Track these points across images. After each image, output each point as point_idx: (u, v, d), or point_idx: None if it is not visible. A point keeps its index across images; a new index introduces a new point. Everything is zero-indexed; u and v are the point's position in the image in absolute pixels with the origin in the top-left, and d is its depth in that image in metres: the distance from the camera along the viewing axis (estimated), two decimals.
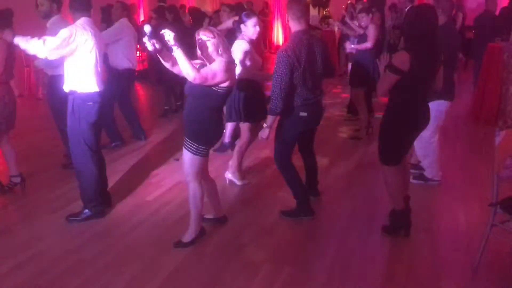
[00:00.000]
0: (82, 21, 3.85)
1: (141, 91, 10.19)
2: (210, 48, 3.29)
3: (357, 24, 6.52)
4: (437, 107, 4.43)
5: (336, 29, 11.20)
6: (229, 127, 5.81)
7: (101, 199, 4.15)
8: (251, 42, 4.51)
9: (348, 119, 7.28)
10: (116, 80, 5.87)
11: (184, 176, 3.58)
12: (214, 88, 3.29)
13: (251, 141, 4.83)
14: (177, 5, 12.57)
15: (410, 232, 3.76)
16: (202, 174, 3.63)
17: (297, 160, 4.28)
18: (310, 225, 4.02)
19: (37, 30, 4.25)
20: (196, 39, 3.35)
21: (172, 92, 7.72)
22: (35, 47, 3.66)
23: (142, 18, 13.04)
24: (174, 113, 7.67)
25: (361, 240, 3.76)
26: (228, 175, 4.87)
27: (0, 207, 4.38)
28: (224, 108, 4.65)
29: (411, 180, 4.67)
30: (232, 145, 5.92)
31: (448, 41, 4.35)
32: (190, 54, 3.30)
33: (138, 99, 9.45)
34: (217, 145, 5.51)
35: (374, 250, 3.62)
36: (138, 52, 11.13)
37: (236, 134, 6.01)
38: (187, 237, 3.64)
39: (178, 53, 3.13)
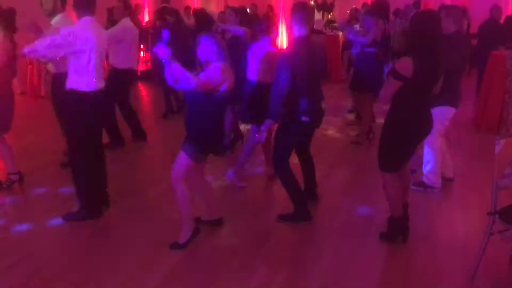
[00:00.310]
0: (84, 20, 3.86)
1: (144, 91, 10.20)
2: (210, 52, 3.29)
3: (358, 27, 6.52)
4: (442, 113, 4.43)
5: (340, 34, 11.19)
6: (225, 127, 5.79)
7: (98, 198, 4.14)
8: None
9: (351, 124, 7.26)
10: (116, 80, 5.86)
11: (172, 176, 3.55)
12: (213, 93, 3.29)
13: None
14: (181, 7, 12.65)
15: (408, 238, 3.74)
16: (196, 176, 3.63)
17: (295, 165, 4.26)
18: (307, 229, 4.00)
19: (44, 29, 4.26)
20: (197, 42, 3.36)
21: (173, 93, 7.72)
22: (35, 45, 3.68)
23: (146, 18, 13.06)
24: (175, 115, 7.66)
25: (359, 246, 3.73)
26: (230, 176, 4.85)
27: None
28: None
29: (411, 186, 4.66)
30: (231, 147, 5.92)
31: (457, 49, 4.35)
32: (190, 57, 3.31)
33: (141, 100, 9.45)
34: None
35: (371, 256, 3.60)
36: (142, 53, 11.16)
37: (235, 136, 6.01)
38: (182, 239, 3.62)
39: (174, 67, 3.15)
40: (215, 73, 3.28)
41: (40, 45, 3.69)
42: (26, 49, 3.75)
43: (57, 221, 4.04)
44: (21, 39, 4.28)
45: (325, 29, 12.15)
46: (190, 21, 11.80)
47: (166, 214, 4.21)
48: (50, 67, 4.94)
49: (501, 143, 3.03)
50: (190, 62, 3.71)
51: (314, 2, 13.16)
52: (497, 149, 3.04)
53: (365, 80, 6.24)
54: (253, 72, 4.55)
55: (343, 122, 7.45)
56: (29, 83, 9.04)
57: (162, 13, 8.25)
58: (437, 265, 3.49)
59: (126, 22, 5.90)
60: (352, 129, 7.04)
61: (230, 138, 5.97)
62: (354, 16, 10.23)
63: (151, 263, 3.44)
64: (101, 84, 4.00)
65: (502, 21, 9.16)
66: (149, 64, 11.56)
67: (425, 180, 4.74)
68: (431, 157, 4.66)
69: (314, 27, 10.83)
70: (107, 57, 6.04)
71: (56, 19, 4.62)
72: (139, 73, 8.57)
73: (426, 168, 4.74)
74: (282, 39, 16.34)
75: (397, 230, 3.73)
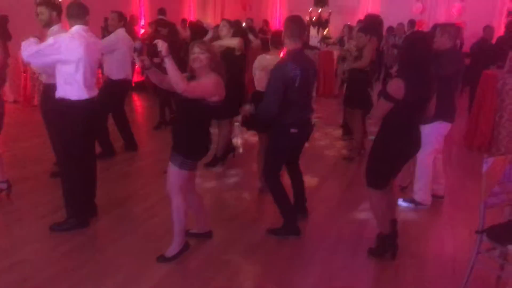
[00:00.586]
0: (75, 29, 3.87)
1: (137, 102, 10.20)
2: (202, 63, 3.31)
3: (354, 44, 6.54)
4: (437, 129, 4.47)
5: (335, 49, 11.28)
6: (221, 141, 5.80)
7: (87, 209, 4.11)
8: None
9: (344, 139, 7.29)
10: (110, 90, 5.86)
11: (167, 190, 3.54)
12: (203, 101, 3.31)
13: None
14: (178, 19, 12.72)
15: (396, 255, 3.73)
16: (188, 188, 3.62)
17: (286, 179, 4.26)
18: (296, 244, 3.98)
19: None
20: (190, 52, 3.37)
21: (167, 104, 7.72)
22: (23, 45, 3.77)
23: (142, 30, 13.10)
24: (168, 126, 7.65)
25: (347, 261, 3.73)
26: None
27: None
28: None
29: (401, 203, 4.68)
30: (224, 159, 5.91)
31: (453, 64, 4.41)
32: (182, 68, 3.32)
33: (134, 110, 9.45)
34: (208, 159, 5.51)
35: (359, 272, 3.59)
36: (136, 64, 11.17)
37: (228, 149, 6.00)
38: (170, 251, 3.60)
39: (169, 63, 3.14)
40: (208, 82, 3.30)
41: (26, 48, 3.73)
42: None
43: (44, 231, 4.00)
44: (16, 46, 4.28)
45: (320, 45, 12.25)
46: (186, 33, 11.88)
47: (154, 226, 4.19)
48: (43, 77, 4.93)
49: (489, 162, 3.04)
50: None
51: (309, 18, 13.27)
52: (485, 168, 3.05)
53: (357, 96, 6.27)
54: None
55: (334, 137, 7.47)
56: (23, 91, 9.02)
57: (154, 26, 8.31)
58: (425, 282, 3.49)
59: (120, 32, 5.92)
60: (343, 144, 7.06)
61: (227, 149, 5.99)
62: (347, 33, 10.31)
63: (138, 274, 3.41)
64: (93, 93, 3.99)
65: (494, 41, 9.28)
66: (143, 75, 11.59)
67: (415, 197, 4.75)
68: (423, 174, 4.67)
69: (309, 43, 10.93)
70: (101, 67, 6.07)
71: (51, 30, 4.62)
72: (133, 84, 8.57)
73: (417, 185, 4.74)
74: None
75: (385, 247, 3.72)
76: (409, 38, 3.86)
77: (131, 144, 6.36)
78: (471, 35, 11.30)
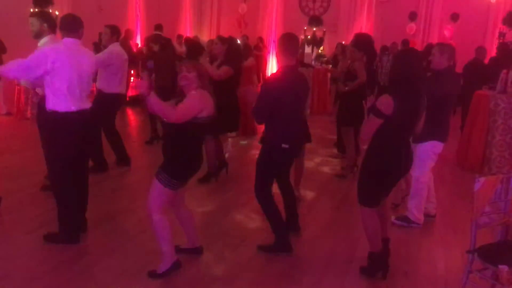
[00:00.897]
0: (64, 41, 3.87)
1: (131, 116, 10.18)
2: (189, 81, 3.35)
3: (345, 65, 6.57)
4: (431, 148, 4.49)
5: (329, 67, 11.36)
6: (207, 156, 5.79)
7: (77, 223, 4.06)
8: None
9: (336, 157, 7.29)
10: (100, 104, 5.83)
11: (147, 205, 3.48)
12: (193, 119, 3.30)
13: None
14: (174, 34, 12.81)
15: (388, 274, 3.71)
16: (177, 202, 3.60)
17: (277, 196, 4.24)
18: (287, 261, 3.94)
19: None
20: (178, 71, 3.43)
21: (160, 119, 7.69)
22: (7, 66, 3.76)
23: (139, 44, 13.17)
24: (160, 140, 7.62)
25: (338, 280, 3.69)
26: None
27: None
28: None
29: (394, 221, 4.65)
30: (217, 174, 5.89)
31: (449, 84, 4.45)
32: (174, 84, 3.36)
33: (128, 124, 9.43)
34: (200, 175, 5.48)
35: None
36: (132, 78, 11.19)
37: (220, 165, 5.98)
38: (161, 268, 3.54)
39: (152, 100, 3.18)
40: (192, 100, 3.30)
41: (11, 66, 3.72)
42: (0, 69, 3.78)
43: (34, 244, 3.95)
44: (11, 59, 4.27)
45: (314, 63, 12.34)
46: (182, 49, 11.95)
47: (145, 241, 4.14)
48: (39, 90, 4.91)
49: (480, 181, 3.04)
50: (174, 88, 3.74)
51: (304, 36, 13.39)
52: (477, 187, 3.05)
53: (349, 114, 6.26)
54: None
55: (327, 154, 7.47)
56: (16, 104, 8.98)
57: (147, 41, 8.37)
58: None
59: (114, 47, 5.90)
60: (335, 162, 7.06)
61: (220, 165, 5.97)
62: (340, 52, 10.38)
63: None
64: (83, 106, 3.96)
65: (486, 62, 9.39)
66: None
67: (409, 215, 4.72)
68: (418, 192, 4.64)
69: (304, 60, 11.00)
70: (94, 80, 6.04)
71: (42, 41, 4.62)
72: (127, 99, 8.58)
73: (411, 203, 4.71)
74: (272, 70, 16.56)
75: (377, 266, 3.70)
76: (400, 54, 3.90)
77: (123, 159, 6.32)
78: (462, 55, 11.45)
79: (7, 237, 4.09)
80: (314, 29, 12.90)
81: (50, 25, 4.64)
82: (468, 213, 5.03)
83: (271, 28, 16.53)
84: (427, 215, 4.82)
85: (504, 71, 6.96)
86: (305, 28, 13.23)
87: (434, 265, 4.04)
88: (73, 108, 3.87)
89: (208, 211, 4.92)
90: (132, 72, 11.05)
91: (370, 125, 3.42)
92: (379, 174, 3.54)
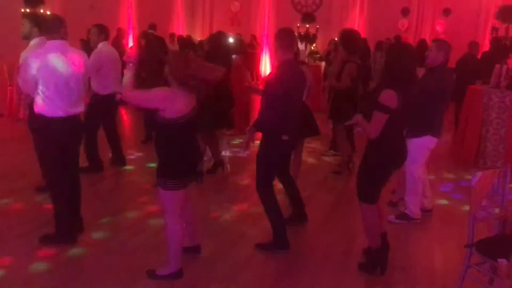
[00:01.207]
0: (46, 46, 3.79)
1: (125, 116, 10.12)
2: (166, 73, 3.28)
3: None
4: (424, 142, 4.49)
5: (323, 64, 11.36)
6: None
7: (72, 223, 4.04)
8: None
9: (327, 154, 7.27)
10: (96, 106, 5.78)
11: (165, 217, 3.46)
12: (167, 119, 3.22)
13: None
14: (167, 33, 12.75)
15: (386, 270, 3.71)
16: (185, 199, 3.54)
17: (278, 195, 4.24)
18: (285, 259, 3.94)
19: None
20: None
21: (145, 121, 7.63)
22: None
23: (131, 43, 13.11)
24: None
25: (336, 277, 3.69)
26: None
27: None
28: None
29: (393, 220, 4.64)
30: (213, 172, 5.88)
31: (442, 80, 4.45)
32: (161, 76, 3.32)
33: (122, 124, 9.37)
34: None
35: (349, 287, 3.56)
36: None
37: (216, 163, 5.97)
38: (162, 271, 3.49)
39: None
40: (152, 94, 3.23)
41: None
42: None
43: (30, 246, 3.92)
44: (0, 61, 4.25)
45: (308, 60, 12.33)
46: (174, 47, 11.90)
47: (141, 241, 4.13)
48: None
49: (477, 176, 3.05)
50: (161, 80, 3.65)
51: (297, 33, 13.37)
52: (474, 182, 3.06)
53: (341, 112, 6.22)
54: None
55: (322, 151, 7.46)
56: (8, 105, 8.90)
57: (138, 36, 8.38)
58: None
59: (102, 48, 5.72)
60: (331, 158, 7.05)
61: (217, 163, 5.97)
62: (333, 48, 10.36)
63: None
64: (73, 110, 3.89)
65: (479, 57, 9.42)
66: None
67: (407, 212, 4.71)
68: (413, 188, 4.65)
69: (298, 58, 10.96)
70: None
71: (32, 42, 4.59)
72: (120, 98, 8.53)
73: (409, 200, 4.70)
74: (265, 68, 16.56)
75: (375, 261, 3.70)
76: (396, 49, 3.90)
77: (120, 159, 6.28)
78: (454, 50, 11.48)
79: (3, 240, 4.05)
80: (307, 25, 12.88)
81: (42, 27, 4.60)
82: (464, 207, 5.09)
83: (264, 25, 16.50)
84: (423, 210, 4.83)
85: (497, 65, 7.00)
86: (298, 25, 13.21)
87: (431, 260, 4.05)
88: (60, 113, 3.80)
89: (206, 209, 4.90)
90: (124, 71, 10.97)
91: (378, 122, 3.38)
92: (381, 169, 3.56)
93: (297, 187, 4.47)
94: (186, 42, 9.33)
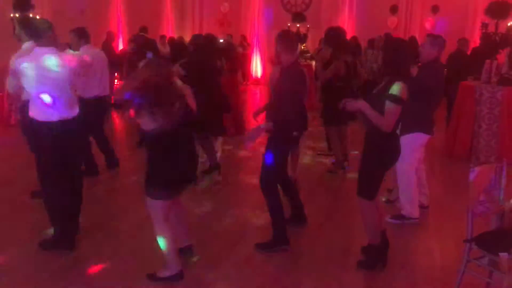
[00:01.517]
0: (34, 52, 3.75)
1: (118, 119, 10.08)
2: None
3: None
4: (415, 139, 4.48)
5: (313, 63, 11.37)
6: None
7: (71, 228, 4.02)
8: None
9: (319, 153, 7.25)
10: (85, 110, 5.71)
11: (154, 225, 3.45)
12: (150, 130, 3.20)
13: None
14: (157, 35, 12.71)
15: (386, 265, 3.74)
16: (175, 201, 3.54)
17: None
18: (285, 258, 3.95)
19: None
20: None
21: (139, 129, 7.61)
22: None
23: (121, 46, 13.05)
24: None
25: (337, 275, 3.71)
26: None
27: None
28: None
29: (389, 220, 4.63)
30: (209, 174, 5.87)
31: (435, 76, 4.47)
32: None
33: (115, 127, 9.33)
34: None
35: (350, 284, 3.58)
36: (116, 81, 11.08)
37: (211, 166, 5.95)
38: (162, 273, 3.49)
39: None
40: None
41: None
42: None
43: (29, 252, 3.90)
44: None
45: (299, 59, 12.34)
46: (165, 49, 11.87)
47: (141, 243, 4.11)
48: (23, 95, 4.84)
49: (475, 171, 3.08)
50: None
51: None
52: (472, 177, 3.08)
53: (331, 114, 6.23)
54: None
55: (317, 150, 7.46)
56: None
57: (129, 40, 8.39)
58: None
59: (84, 51, 5.48)
60: (324, 156, 7.04)
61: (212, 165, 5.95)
62: (324, 47, 10.38)
63: None
64: (67, 114, 3.86)
65: (468, 53, 9.50)
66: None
67: (403, 212, 4.67)
68: (406, 186, 4.62)
69: None
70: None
71: (24, 46, 4.56)
72: (112, 101, 8.47)
73: (403, 199, 4.68)
74: (256, 69, 16.56)
75: (375, 258, 3.73)
76: (394, 43, 3.94)
77: (112, 162, 6.24)
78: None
79: (1, 247, 4.02)
80: (298, 25, 12.90)
81: (28, 32, 4.57)
82: (459, 202, 5.12)
83: (254, 26, 16.50)
84: (420, 207, 4.85)
85: (488, 61, 7.06)
86: (289, 24, 13.22)
87: (430, 256, 4.08)
88: (53, 118, 3.77)
89: (204, 211, 4.91)
90: (116, 74, 10.93)
91: (394, 115, 3.41)
92: (381, 164, 3.61)
93: (296, 188, 4.49)
94: (177, 44, 9.32)
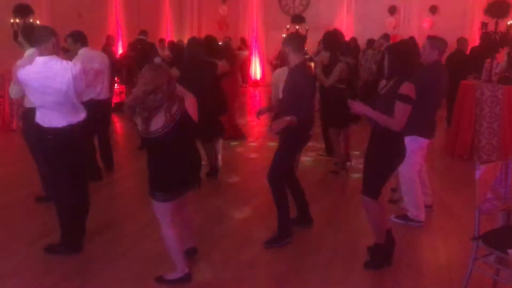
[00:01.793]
0: (35, 61, 3.73)
1: (118, 123, 10.08)
2: None
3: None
4: (412, 142, 4.43)
5: (312, 65, 11.37)
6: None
7: (77, 232, 4.03)
8: None
9: (321, 155, 7.25)
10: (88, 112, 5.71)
11: (161, 228, 3.47)
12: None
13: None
14: (156, 38, 12.73)
15: (392, 265, 3.76)
16: (180, 205, 3.55)
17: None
18: (292, 259, 3.96)
19: None
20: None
21: (138, 133, 7.60)
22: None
23: (120, 50, 13.05)
24: None
25: (344, 275, 3.72)
26: None
27: None
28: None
29: (393, 219, 4.63)
30: (209, 177, 5.87)
31: (435, 78, 4.45)
32: None
33: (116, 131, 9.34)
34: None
35: (357, 284, 3.59)
36: (116, 85, 11.08)
37: (211, 169, 5.95)
38: (170, 275, 3.50)
39: None
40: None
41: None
42: None
43: (35, 257, 3.91)
44: None
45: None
46: (165, 53, 11.87)
47: (147, 247, 4.12)
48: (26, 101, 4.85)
49: (481, 169, 3.09)
50: None
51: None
52: (478, 175, 3.10)
53: (330, 116, 6.23)
54: None
55: (320, 151, 7.47)
56: (1, 116, 8.82)
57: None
58: None
59: (80, 54, 5.46)
60: (326, 158, 7.04)
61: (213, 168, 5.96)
62: (323, 48, 10.37)
63: None
64: (73, 120, 3.85)
65: (467, 52, 9.54)
66: (123, 95, 11.51)
67: (409, 214, 4.65)
68: (409, 188, 4.60)
69: None
70: None
71: (27, 53, 4.56)
72: (113, 105, 8.48)
73: (406, 200, 4.68)
74: (255, 71, 16.59)
75: (381, 258, 3.74)
76: (403, 46, 3.93)
77: (110, 164, 6.26)
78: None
79: (8, 252, 4.02)
80: (297, 27, 12.92)
81: (27, 40, 4.60)
82: (462, 200, 5.15)
83: (252, 28, 16.53)
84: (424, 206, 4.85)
85: (488, 60, 7.09)
86: (288, 26, 13.24)
87: (436, 254, 4.09)
88: (59, 124, 3.77)
89: (208, 213, 4.91)
90: (116, 79, 10.92)
91: (404, 114, 3.44)
92: (390, 163, 3.64)
93: (302, 189, 4.50)
94: (177, 48, 9.32)
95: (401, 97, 3.42)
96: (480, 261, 3.23)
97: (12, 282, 3.56)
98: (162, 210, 3.38)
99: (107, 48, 11.01)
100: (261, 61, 16.50)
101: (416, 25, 14.77)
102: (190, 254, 3.83)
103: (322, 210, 5.03)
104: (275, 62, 11.22)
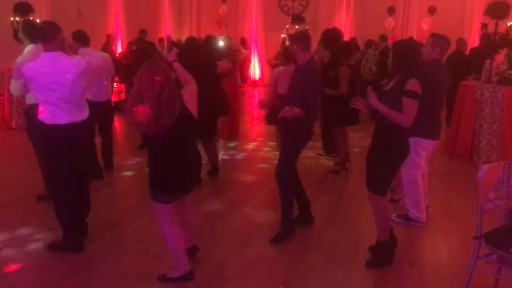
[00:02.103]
0: (40, 57, 3.73)
1: (117, 122, 10.06)
2: None
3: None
4: (419, 143, 4.43)
5: None
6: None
7: (79, 230, 4.03)
8: None
9: (321, 154, 7.25)
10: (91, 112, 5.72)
11: (160, 229, 3.47)
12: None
13: None
14: (155, 37, 12.73)
15: (393, 264, 3.77)
16: (181, 204, 3.55)
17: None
18: (294, 257, 3.97)
19: None
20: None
21: (140, 133, 7.60)
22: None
23: (119, 49, 13.06)
24: None
25: (346, 273, 3.72)
26: None
27: None
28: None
29: (395, 219, 4.63)
30: (211, 176, 5.87)
31: (439, 77, 4.43)
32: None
33: (115, 130, 9.32)
34: None
35: (359, 283, 3.60)
36: (115, 84, 11.08)
37: (212, 168, 5.95)
38: (173, 273, 3.50)
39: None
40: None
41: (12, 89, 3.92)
42: None
43: (37, 255, 3.90)
44: None
45: None
46: (164, 52, 11.85)
47: (149, 245, 4.12)
48: (28, 98, 4.84)
49: (484, 169, 3.10)
50: None
51: (288, 35, 13.41)
52: (481, 175, 3.11)
53: (333, 116, 6.23)
54: None
55: (320, 151, 7.47)
56: (0, 114, 8.81)
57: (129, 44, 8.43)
58: None
59: (82, 56, 5.27)
60: (328, 158, 7.05)
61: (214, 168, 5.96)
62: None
63: None
64: (75, 118, 3.85)
65: (467, 53, 9.57)
66: (122, 95, 11.50)
67: (409, 214, 4.64)
68: (411, 189, 4.59)
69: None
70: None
71: (27, 49, 4.56)
72: (112, 104, 8.48)
73: (407, 201, 4.68)
74: (254, 71, 16.59)
75: (383, 256, 3.76)
76: (405, 44, 3.94)
77: (109, 164, 6.26)
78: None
79: (9, 251, 4.01)
80: (297, 27, 12.93)
81: (28, 36, 4.59)
82: (462, 201, 5.16)
83: (251, 28, 16.54)
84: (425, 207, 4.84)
85: (488, 61, 7.11)
86: (288, 26, 13.26)
87: (437, 254, 4.10)
88: (62, 121, 3.77)
89: (211, 211, 4.92)
90: (115, 78, 10.92)
91: (412, 110, 3.48)
92: (398, 160, 3.66)
93: (304, 189, 4.51)
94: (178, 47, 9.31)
95: (408, 93, 3.47)
96: (482, 260, 3.24)
97: (12, 281, 3.56)
98: (162, 211, 3.38)
99: (107, 47, 11.04)
100: (260, 61, 16.51)
101: (415, 25, 14.82)
102: (192, 252, 3.83)
103: (323, 210, 5.03)
104: (274, 62, 11.22)
